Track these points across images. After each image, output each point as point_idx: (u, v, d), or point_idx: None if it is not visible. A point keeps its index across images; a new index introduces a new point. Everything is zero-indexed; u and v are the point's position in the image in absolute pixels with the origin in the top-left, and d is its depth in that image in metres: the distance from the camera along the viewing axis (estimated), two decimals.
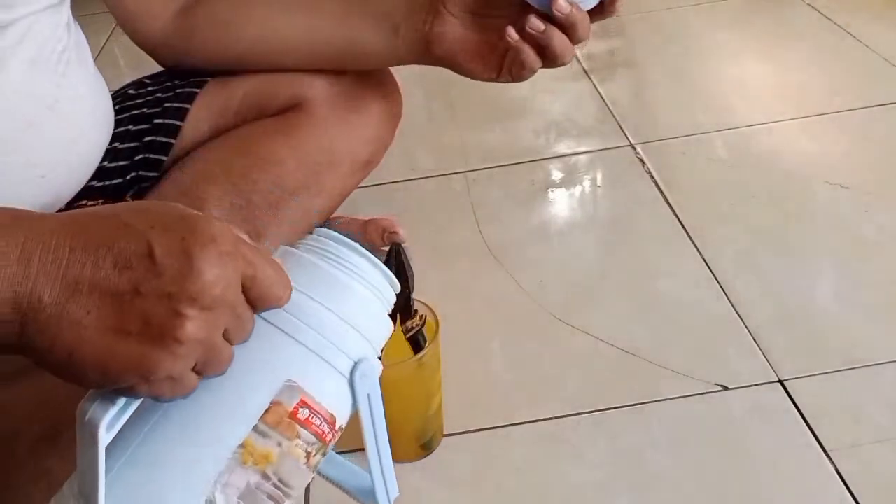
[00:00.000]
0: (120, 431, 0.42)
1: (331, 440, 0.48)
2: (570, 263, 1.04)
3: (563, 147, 1.29)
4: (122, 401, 0.40)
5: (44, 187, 0.68)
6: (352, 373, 0.47)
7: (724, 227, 1.05)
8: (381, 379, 0.50)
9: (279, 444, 0.44)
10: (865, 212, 1.05)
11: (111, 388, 0.39)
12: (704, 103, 1.35)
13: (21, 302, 0.37)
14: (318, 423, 0.46)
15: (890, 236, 1.01)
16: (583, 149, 1.27)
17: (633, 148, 1.25)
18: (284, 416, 0.44)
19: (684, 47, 1.56)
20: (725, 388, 0.83)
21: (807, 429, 0.78)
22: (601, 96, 1.41)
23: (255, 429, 0.44)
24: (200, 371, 0.41)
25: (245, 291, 0.41)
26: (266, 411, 0.44)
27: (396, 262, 0.72)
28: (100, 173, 0.77)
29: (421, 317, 0.75)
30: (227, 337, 0.41)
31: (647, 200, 1.13)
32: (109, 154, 0.78)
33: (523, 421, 0.82)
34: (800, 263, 0.98)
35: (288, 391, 0.45)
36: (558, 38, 0.66)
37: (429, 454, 0.80)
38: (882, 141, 1.20)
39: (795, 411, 0.79)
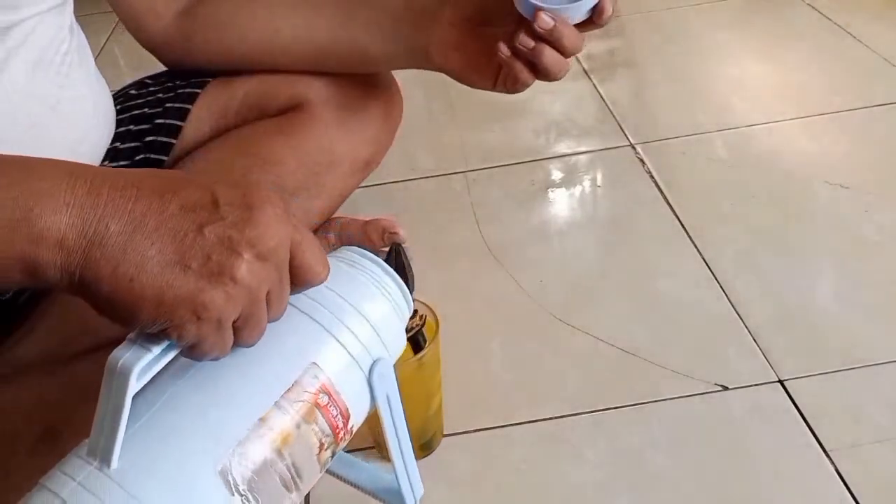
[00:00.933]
0: (143, 394, 0.43)
1: (342, 438, 0.48)
2: (570, 263, 1.04)
3: (563, 147, 1.29)
4: (157, 349, 0.41)
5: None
6: (370, 372, 0.49)
7: (724, 227, 1.06)
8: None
9: (297, 426, 0.45)
10: (865, 212, 1.05)
11: (160, 325, 0.40)
12: (704, 103, 1.35)
13: (88, 230, 0.39)
14: (334, 413, 0.47)
15: (890, 236, 1.01)
16: (583, 149, 1.27)
17: (633, 148, 1.25)
18: (306, 397, 0.46)
19: (684, 47, 1.56)
20: (725, 388, 0.83)
21: (807, 429, 0.78)
22: (601, 96, 1.41)
23: (276, 405, 0.45)
24: (240, 327, 0.43)
25: (290, 259, 0.43)
26: (288, 390, 0.45)
27: (396, 262, 0.72)
28: None
29: (421, 317, 0.75)
30: (267, 301, 0.43)
31: (647, 200, 1.13)
32: (110, 154, 0.78)
33: (523, 421, 0.82)
34: (800, 263, 0.98)
35: (311, 374, 0.46)
36: (549, 55, 0.66)
37: (429, 454, 0.80)
38: (882, 141, 1.20)
39: (795, 411, 0.80)
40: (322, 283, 0.45)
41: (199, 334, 0.41)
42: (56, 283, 0.40)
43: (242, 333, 0.43)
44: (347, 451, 0.60)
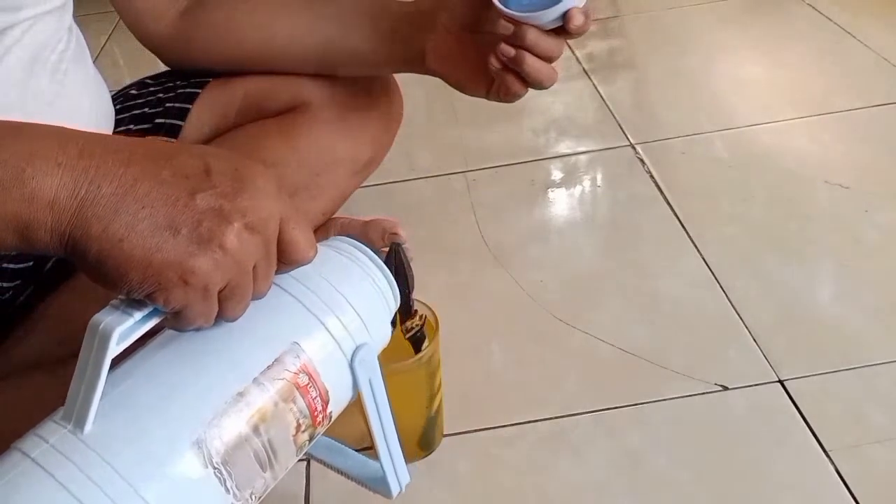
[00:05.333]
0: (123, 365, 0.43)
1: (320, 422, 0.48)
2: (570, 263, 1.04)
3: (563, 147, 1.29)
4: (139, 314, 0.41)
5: None
6: (353, 357, 0.49)
7: (724, 227, 1.05)
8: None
9: (275, 404, 0.45)
10: (865, 212, 1.05)
11: (147, 288, 0.40)
12: (704, 103, 1.35)
13: (79, 190, 0.39)
14: (313, 395, 0.47)
15: (890, 236, 1.01)
16: (583, 149, 1.27)
17: (633, 148, 1.25)
18: (285, 376, 0.46)
19: (684, 47, 1.56)
20: (725, 388, 0.83)
21: (807, 429, 0.78)
22: (601, 96, 1.41)
23: (255, 381, 0.45)
24: (225, 298, 0.43)
25: (279, 235, 0.44)
26: (269, 367, 0.46)
27: (396, 262, 0.72)
28: None
29: (421, 317, 0.75)
30: (253, 275, 0.43)
31: (647, 200, 1.13)
32: None
33: (523, 421, 0.82)
34: (800, 263, 0.98)
35: (293, 353, 0.47)
36: (530, 62, 0.66)
37: (429, 454, 0.80)
38: (882, 141, 1.20)
39: (795, 411, 0.80)
40: (309, 262, 0.46)
41: (186, 300, 0.41)
42: (46, 245, 0.40)
43: (227, 305, 0.43)
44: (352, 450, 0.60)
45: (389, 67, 0.82)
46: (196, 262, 0.40)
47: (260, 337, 0.46)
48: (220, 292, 0.42)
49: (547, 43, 0.66)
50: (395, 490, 0.55)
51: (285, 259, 0.45)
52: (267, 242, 0.43)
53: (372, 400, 0.52)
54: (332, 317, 0.49)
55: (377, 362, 0.51)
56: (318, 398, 0.47)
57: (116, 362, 0.42)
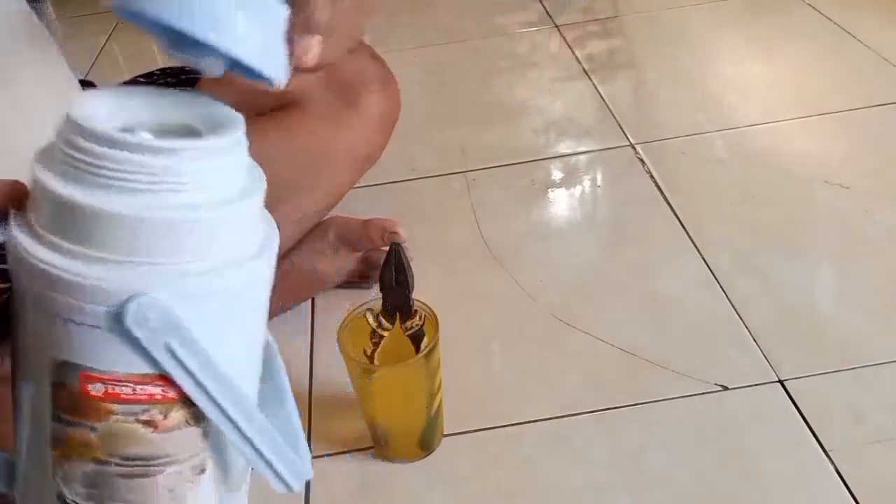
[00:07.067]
0: None
1: (176, 396, 0.37)
2: (570, 263, 1.04)
3: (563, 147, 1.29)
4: None
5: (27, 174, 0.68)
6: (124, 316, 0.34)
7: (724, 227, 1.05)
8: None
9: (91, 429, 0.36)
10: (865, 212, 1.05)
11: None
12: (704, 103, 1.35)
13: None
14: (127, 391, 0.36)
15: (890, 236, 1.01)
16: (583, 149, 1.27)
17: (633, 148, 1.25)
18: (77, 398, 0.36)
19: (684, 47, 1.56)
20: (725, 388, 0.83)
21: (807, 429, 0.78)
22: (601, 96, 1.41)
23: (56, 420, 0.37)
24: None
25: None
26: (57, 398, 0.37)
27: (396, 261, 0.72)
28: None
29: (421, 317, 0.75)
30: None
31: (647, 200, 1.13)
32: None
33: (523, 421, 0.82)
34: (800, 263, 0.98)
35: (64, 370, 0.36)
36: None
37: (429, 454, 0.80)
38: (882, 141, 1.20)
39: (795, 411, 0.79)
40: None
41: None
42: None
43: None
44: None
45: None
46: None
47: (22, 373, 0.39)
48: None
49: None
50: (281, 490, 0.40)
51: None
52: None
53: (183, 373, 0.36)
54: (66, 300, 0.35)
55: (173, 314, 0.35)
56: (137, 385, 0.36)
57: None
